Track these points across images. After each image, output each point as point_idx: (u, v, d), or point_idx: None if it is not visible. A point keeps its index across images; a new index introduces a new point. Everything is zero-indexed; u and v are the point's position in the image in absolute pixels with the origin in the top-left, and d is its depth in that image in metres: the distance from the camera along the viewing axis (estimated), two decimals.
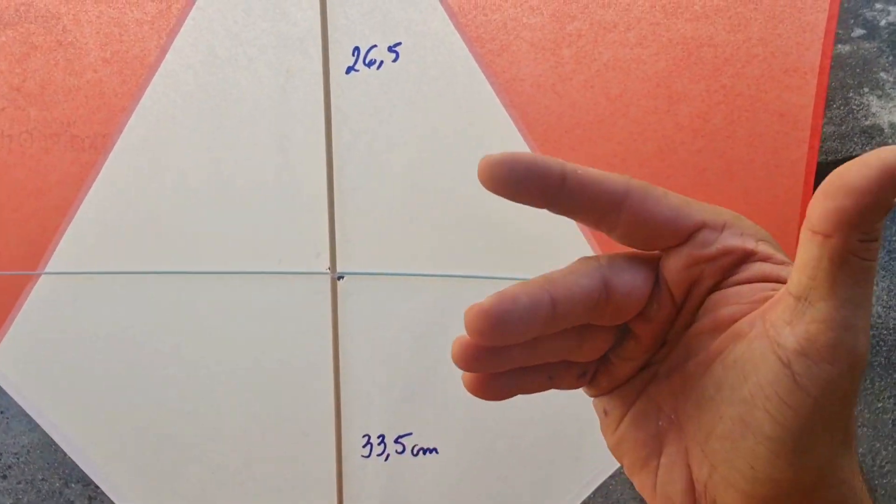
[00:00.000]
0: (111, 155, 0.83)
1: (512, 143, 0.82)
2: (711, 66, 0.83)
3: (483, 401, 0.32)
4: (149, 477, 0.96)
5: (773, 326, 0.27)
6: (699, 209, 0.30)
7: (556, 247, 0.83)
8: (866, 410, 1.73)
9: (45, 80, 0.81)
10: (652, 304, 0.30)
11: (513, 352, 0.29)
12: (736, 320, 0.29)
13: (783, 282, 0.28)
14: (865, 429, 1.71)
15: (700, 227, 0.29)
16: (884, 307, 1.86)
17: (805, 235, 0.25)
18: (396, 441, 0.90)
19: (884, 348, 1.81)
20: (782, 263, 0.29)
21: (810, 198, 0.27)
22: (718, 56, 0.83)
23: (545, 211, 0.30)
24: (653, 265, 0.31)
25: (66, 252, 0.87)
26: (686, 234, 0.29)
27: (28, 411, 0.94)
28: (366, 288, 0.86)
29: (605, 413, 0.33)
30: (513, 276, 0.86)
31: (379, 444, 0.90)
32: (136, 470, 0.96)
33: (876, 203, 0.23)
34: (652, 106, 0.84)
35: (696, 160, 0.84)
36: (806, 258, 0.25)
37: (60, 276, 0.88)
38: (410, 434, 0.90)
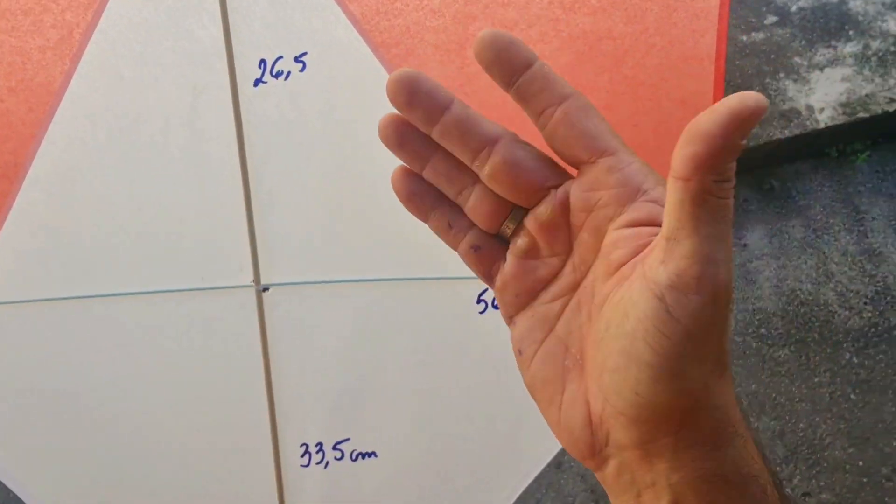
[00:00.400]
0: (24, 183, 0.82)
1: None
2: (612, 59, 0.85)
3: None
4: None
5: (649, 268, 0.30)
6: (620, 144, 0.34)
7: None
8: (804, 386, 1.77)
9: None
10: (545, 205, 0.35)
11: (417, 142, 0.36)
12: (623, 264, 0.33)
13: None
14: (804, 403, 1.75)
15: (612, 152, 0.33)
16: (813, 284, 1.91)
17: (670, 182, 0.28)
18: (335, 447, 0.90)
19: (816, 324, 1.86)
20: None
21: None
22: (618, 48, 0.85)
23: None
24: (556, 173, 0.35)
25: None
26: (597, 152, 0.33)
27: None
28: (292, 298, 0.87)
29: (520, 352, 0.37)
30: (440, 275, 0.87)
31: (317, 451, 0.90)
32: (77, 498, 0.95)
33: (725, 146, 0.26)
34: None
35: None
36: (672, 202, 0.28)
37: None
38: (348, 439, 0.90)
